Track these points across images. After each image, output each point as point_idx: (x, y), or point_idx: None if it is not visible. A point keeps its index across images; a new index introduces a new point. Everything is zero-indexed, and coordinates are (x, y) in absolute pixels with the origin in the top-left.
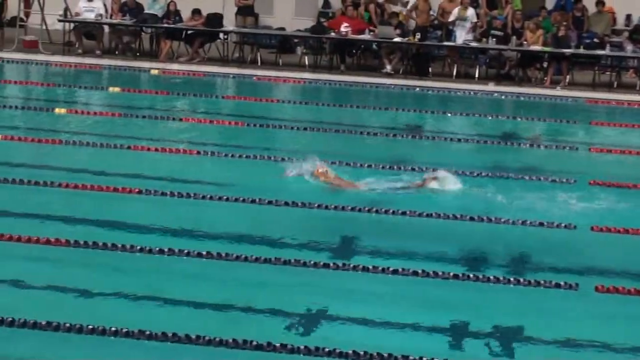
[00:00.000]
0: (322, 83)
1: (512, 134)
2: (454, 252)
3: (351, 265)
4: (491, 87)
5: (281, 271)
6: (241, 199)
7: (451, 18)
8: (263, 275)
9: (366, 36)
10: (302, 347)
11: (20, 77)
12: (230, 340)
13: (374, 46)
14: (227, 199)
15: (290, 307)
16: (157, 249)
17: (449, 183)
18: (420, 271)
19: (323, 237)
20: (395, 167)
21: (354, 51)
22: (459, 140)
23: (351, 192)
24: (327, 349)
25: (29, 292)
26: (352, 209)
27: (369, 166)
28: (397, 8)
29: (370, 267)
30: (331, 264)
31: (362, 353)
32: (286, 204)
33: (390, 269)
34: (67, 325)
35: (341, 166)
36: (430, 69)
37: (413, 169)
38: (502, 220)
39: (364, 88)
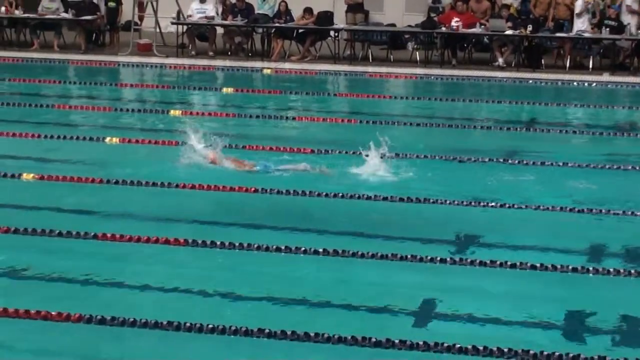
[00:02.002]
0: (433, 78)
1: (628, 124)
2: (571, 245)
3: (468, 260)
4: (605, 77)
5: (398, 267)
6: (356, 195)
7: (578, 9)
8: (380, 271)
9: (477, 30)
10: (420, 342)
11: (135, 79)
12: (349, 337)
13: (485, 40)
14: (342, 196)
15: (407, 303)
16: (274, 247)
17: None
18: (538, 265)
19: (438, 233)
20: (509, 160)
21: (465, 45)
22: (574, 132)
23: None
24: (446, 344)
25: (150, 292)
26: (463, 204)
27: (483, 161)
28: (508, 0)
29: (488, 261)
30: (448, 259)
31: (481, 348)
32: (409, 199)
33: (508, 263)
34: (188, 324)
35: (454, 161)
36: (542, 61)
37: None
38: (613, 211)
39: (476, 82)
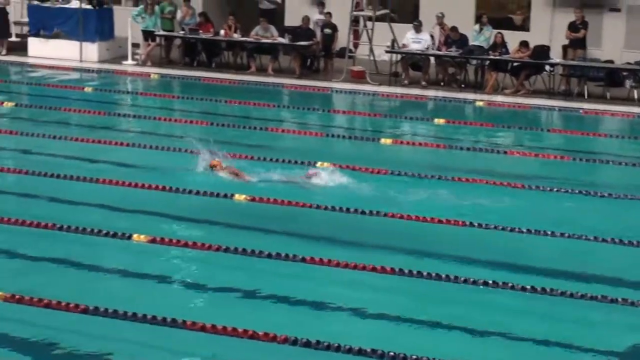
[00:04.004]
0: None
1: None
2: None
3: None
4: None
5: (605, 309)
6: (566, 234)
7: None
8: (586, 312)
9: None
10: None
11: (347, 106)
12: None
13: None
14: (549, 234)
15: (612, 347)
16: (482, 281)
17: (332, 178)
18: None
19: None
20: None
21: None
22: None
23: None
24: None
25: (355, 317)
26: None
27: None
28: None
29: None
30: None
31: None
32: (621, 241)
33: None
34: (391, 354)
35: None
36: None
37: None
38: None
39: None
